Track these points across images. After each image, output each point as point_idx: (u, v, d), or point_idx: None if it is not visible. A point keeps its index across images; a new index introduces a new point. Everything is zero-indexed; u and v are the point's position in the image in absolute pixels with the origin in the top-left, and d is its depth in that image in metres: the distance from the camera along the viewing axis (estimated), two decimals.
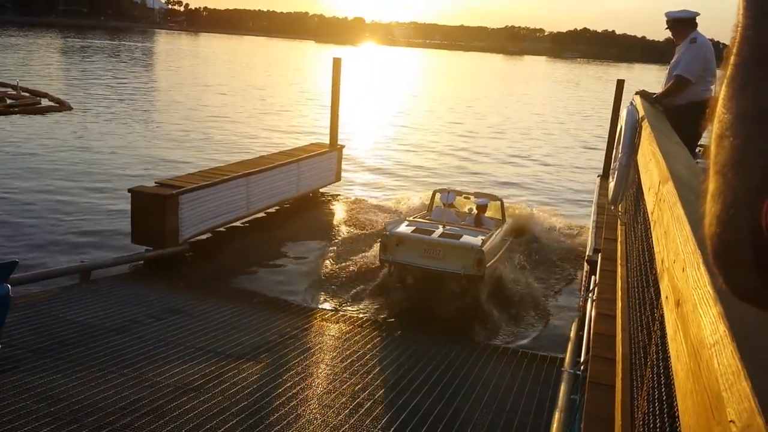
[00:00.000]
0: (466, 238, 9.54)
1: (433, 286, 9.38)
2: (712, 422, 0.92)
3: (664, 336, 2.00)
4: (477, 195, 11.77)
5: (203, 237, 11.25)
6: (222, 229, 11.71)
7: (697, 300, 1.20)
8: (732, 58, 0.55)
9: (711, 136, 0.57)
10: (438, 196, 11.70)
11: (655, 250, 2.20)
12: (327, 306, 9.39)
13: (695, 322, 1.19)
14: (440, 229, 9.73)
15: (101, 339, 7.00)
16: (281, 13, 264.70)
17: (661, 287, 1.87)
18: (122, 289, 9.09)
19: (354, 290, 9.99)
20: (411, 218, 10.93)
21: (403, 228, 9.88)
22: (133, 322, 7.62)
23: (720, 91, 0.56)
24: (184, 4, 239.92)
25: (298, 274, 10.59)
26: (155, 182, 10.89)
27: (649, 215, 2.65)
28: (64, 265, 9.57)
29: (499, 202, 11.92)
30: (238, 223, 12.14)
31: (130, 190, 10.28)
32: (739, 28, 0.55)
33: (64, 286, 8.88)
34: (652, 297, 2.57)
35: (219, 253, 11.25)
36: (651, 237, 2.87)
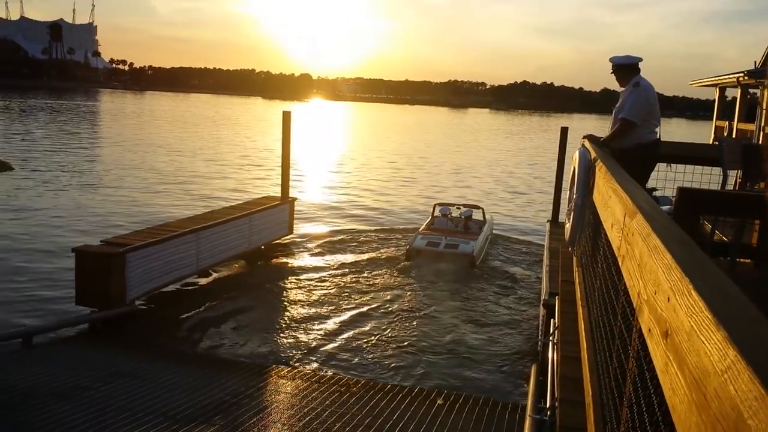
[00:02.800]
0: (462, 247, 13.97)
1: None
2: None
3: (642, 372, 1.94)
4: (464, 206, 16.49)
5: (152, 296, 10.90)
6: (171, 287, 11.37)
7: (695, 327, 1.14)
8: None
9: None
10: (438, 209, 16.24)
11: (628, 284, 2.16)
12: (282, 362, 9.12)
13: (693, 351, 1.13)
14: (444, 241, 14.24)
15: (45, 406, 6.61)
16: (227, 70, 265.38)
17: (640, 321, 1.82)
18: (66, 353, 8.69)
19: (310, 344, 9.79)
20: (422, 231, 15.24)
21: (419, 241, 14.32)
22: (77, 387, 7.23)
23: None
24: (128, 63, 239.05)
25: (251, 330, 10.30)
26: (101, 241, 10.56)
27: (616, 251, 2.63)
28: (4, 330, 9.09)
29: (480, 210, 16.53)
30: (188, 281, 11.83)
31: (74, 250, 9.94)
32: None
33: (5, 352, 8.43)
34: (623, 334, 2.52)
35: (168, 312, 10.89)
36: (616, 273, 2.85)
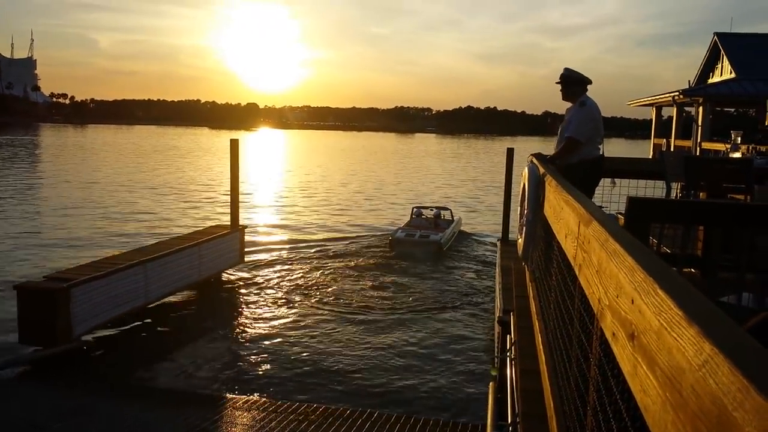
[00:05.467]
0: (432, 237, 18.17)
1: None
2: None
3: (606, 379, 1.92)
4: (435, 208, 21.11)
5: (100, 331, 10.54)
6: (120, 321, 11.01)
7: (664, 325, 1.12)
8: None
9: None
10: (414, 210, 20.97)
11: (587, 292, 2.15)
12: (237, 393, 8.90)
13: (664, 350, 1.11)
14: (418, 233, 18.47)
15: None
16: (172, 101, 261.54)
17: (603, 327, 1.80)
18: (10, 395, 8.29)
19: (265, 373, 9.60)
20: (402, 227, 19.67)
21: (400, 234, 18.60)
22: (32, 426, 6.90)
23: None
24: (69, 96, 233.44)
25: (203, 361, 10.04)
26: (43, 276, 10.20)
27: (572, 261, 2.63)
28: None
29: (448, 210, 21.33)
30: (137, 314, 11.47)
31: (15, 287, 9.56)
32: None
33: None
34: (582, 342, 2.52)
35: (118, 347, 10.55)
36: (572, 283, 2.85)
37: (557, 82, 6.39)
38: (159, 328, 11.47)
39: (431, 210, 20.86)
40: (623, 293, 1.52)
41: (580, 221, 2.42)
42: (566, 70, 6.37)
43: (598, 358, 2.10)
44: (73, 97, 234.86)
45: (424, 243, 17.90)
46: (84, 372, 9.46)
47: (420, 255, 17.26)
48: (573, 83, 6.33)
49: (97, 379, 9.22)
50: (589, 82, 6.37)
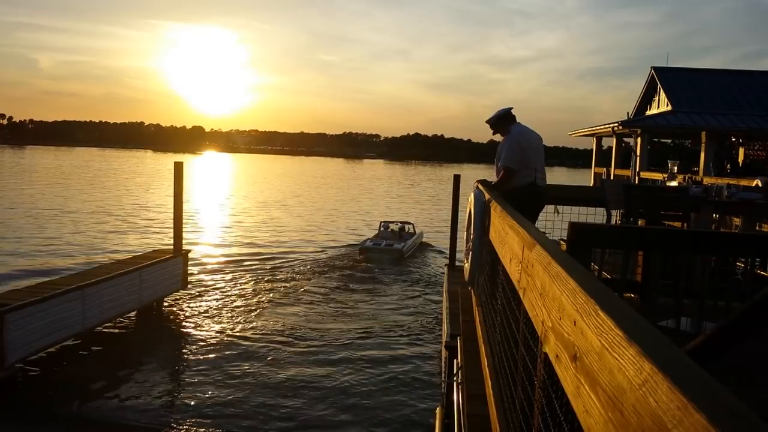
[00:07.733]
0: (395, 246, 21.52)
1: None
2: None
3: (551, 401, 1.94)
4: (400, 222, 24.97)
5: (35, 359, 10.13)
6: (56, 348, 10.61)
7: (605, 345, 1.13)
8: None
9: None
10: (381, 224, 24.83)
11: (531, 315, 2.17)
12: (177, 422, 8.66)
13: (606, 370, 1.12)
14: (384, 242, 21.96)
15: None
16: (114, 123, 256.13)
17: (546, 349, 1.82)
18: None
19: (206, 402, 9.37)
20: (371, 238, 23.27)
21: (368, 243, 22.08)
22: None
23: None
24: (7, 117, 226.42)
25: (143, 391, 9.74)
26: None
27: (516, 284, 2.66)
28: None
29: (411, 225, 24.95)
30: (74, 341, 11.08)
31: None
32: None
33: None
34: (527, 365, 2.54)
35: (55, 376, 10.16)
36: (516, 308, 2.88)
37: (493, 134, 6.67)
38: (97, 357, 11.10)
39: (397, 224, 24.68)
40: (566, 315, 1.54)
41: (524, 246, 2.45)
42: (487, 121, 6.64)
43: (543, 380, 2.12)
44: (11, 118, 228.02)
45: (389, 251, 21.21)
46: (17, 402, 9.07)
47: (385, 260, 20.37)
48: (497, 124, 6.58)
49: (30, 410, 8.84)
50: (509, 109, 6.57)
